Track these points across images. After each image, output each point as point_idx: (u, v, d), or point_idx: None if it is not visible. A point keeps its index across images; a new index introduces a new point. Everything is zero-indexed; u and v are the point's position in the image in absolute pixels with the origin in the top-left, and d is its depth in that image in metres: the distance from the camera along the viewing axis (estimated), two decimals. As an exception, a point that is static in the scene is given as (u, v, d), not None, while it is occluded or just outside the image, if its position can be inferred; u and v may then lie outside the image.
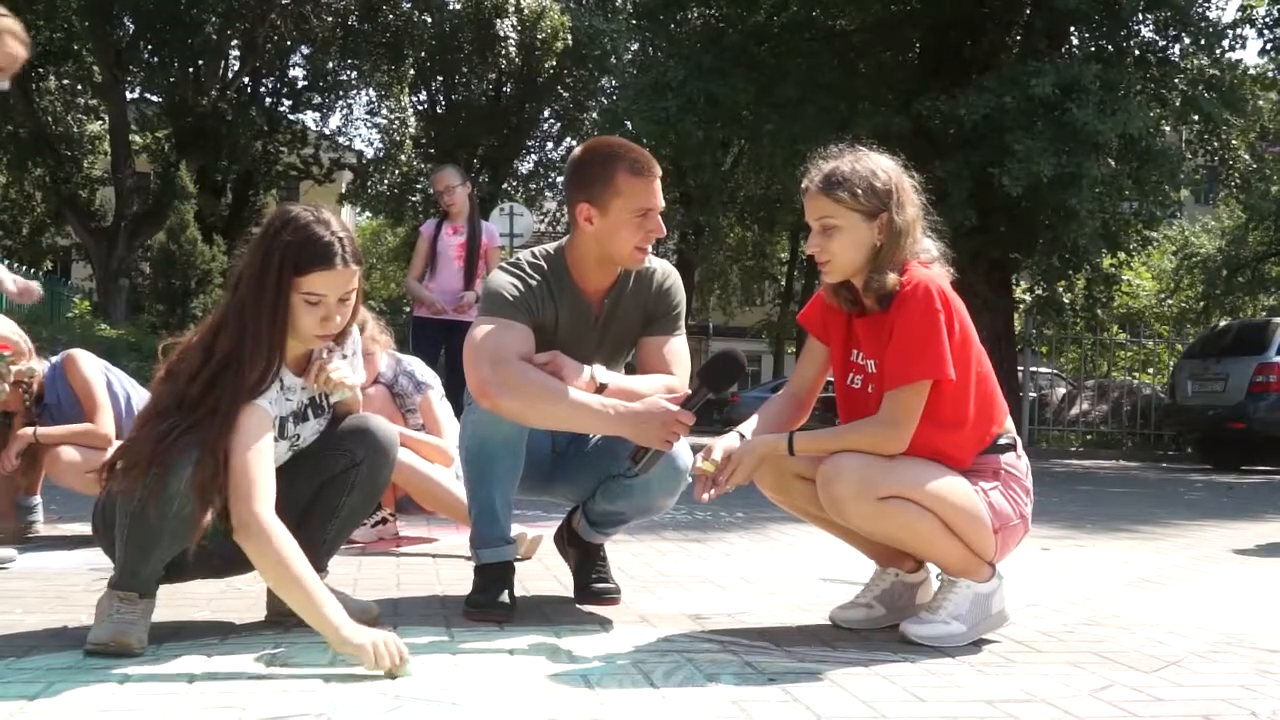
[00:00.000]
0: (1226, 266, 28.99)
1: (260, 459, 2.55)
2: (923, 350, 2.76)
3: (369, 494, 2.93)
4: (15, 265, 19.82)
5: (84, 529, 4.73)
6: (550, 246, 3.16)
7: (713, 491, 2.82)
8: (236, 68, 26.29)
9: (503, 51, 27.14)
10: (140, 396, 4.59)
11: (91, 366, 4.44)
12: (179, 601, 3.04)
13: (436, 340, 7.38)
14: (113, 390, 4.50)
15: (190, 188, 18.21)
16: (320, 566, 2.80)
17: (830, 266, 2.88)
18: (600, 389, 2.91)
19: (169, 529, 2.49)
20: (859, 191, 2.82)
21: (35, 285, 4.18)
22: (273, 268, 2.57)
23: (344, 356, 2.84)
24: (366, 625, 2.71)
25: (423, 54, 27.98)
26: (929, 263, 2.89)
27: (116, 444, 4.24)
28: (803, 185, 2.91)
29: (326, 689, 2.27)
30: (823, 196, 2.85)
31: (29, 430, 4.35)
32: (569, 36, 26.22)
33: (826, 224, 2.86)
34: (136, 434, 2.60)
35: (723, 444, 2.87)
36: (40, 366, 4.38)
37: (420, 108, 30.65)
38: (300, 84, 27.90)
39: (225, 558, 2.74)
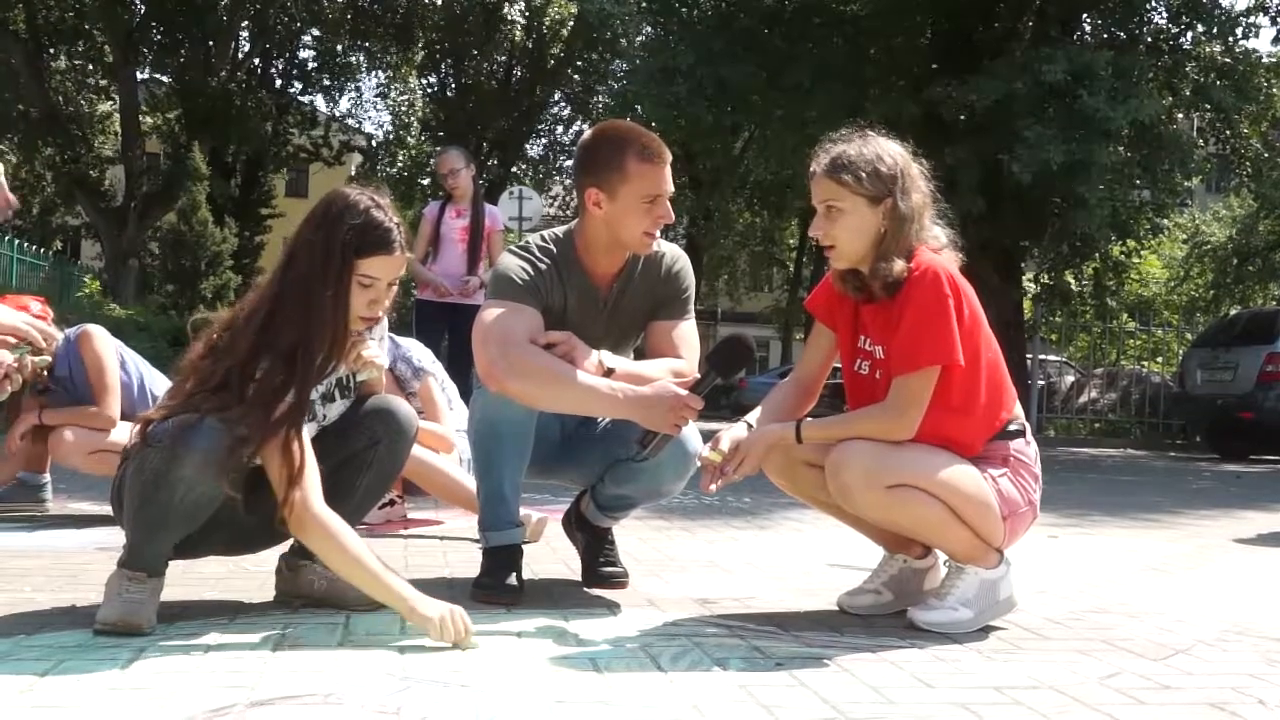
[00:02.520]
0: (1237, 255, 28.94)
1: (310, 449, 2.60)
2: (931, 336, 2.75)
3: (386, 474, 2.96)
4: (26, 245, 19.88)
5: (92, 508, 4.75)
6: (560, 230, 3.16)
7: (720, 482, 2.82)
8: (247, 49, 26.29)
9: (510, 34, 27.09)
10: (153, 378, 4.58)
11: (106, 345, 4.42)
12: (188, 581, 3.05)
13: (440, 323, 7.38)
14: (125, 370, 4.49)
15: (203, 169, 18.21)
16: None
17: (834, 251, 2.87)
18: (607, 374, 2.90)
19: (178, 512, 2.50)
20: (863, 176, 2.81)
21: None
22: (336, 250, 2.60)
23: (373, 339, 2.87)
24: (374, 607, 2.75)
25: (432, 36, 27.94)
26: (938, 249, 2.88)
27: (123, 424, 4.28)
28: (810, 169, 2.90)
29: (335, 669, 2.28)
30: (828, 180, 2.84)
31: (33, 413, 4.37)
32: (571, 23, 26.16)
33: (831, 207, 2.84)
34: (177, 404, 2.58)
35: (730, 434, 2.87)
36: (57, 334, 4.37)
37: (430, 90, 30.61)
38: (310, 66, 27.89)
39: (236, 536, 2.75)
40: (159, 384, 4.57)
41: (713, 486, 2.82)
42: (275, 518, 2.59)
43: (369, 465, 2.89)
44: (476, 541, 3.22)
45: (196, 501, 2.49)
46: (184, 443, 2.44)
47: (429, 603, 2.53)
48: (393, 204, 2.74)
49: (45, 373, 4.24)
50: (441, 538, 4.32)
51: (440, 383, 4.94)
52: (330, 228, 2.62)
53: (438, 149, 26.90)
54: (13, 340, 3.12)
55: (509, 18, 26.67)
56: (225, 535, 2.70)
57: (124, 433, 4.26)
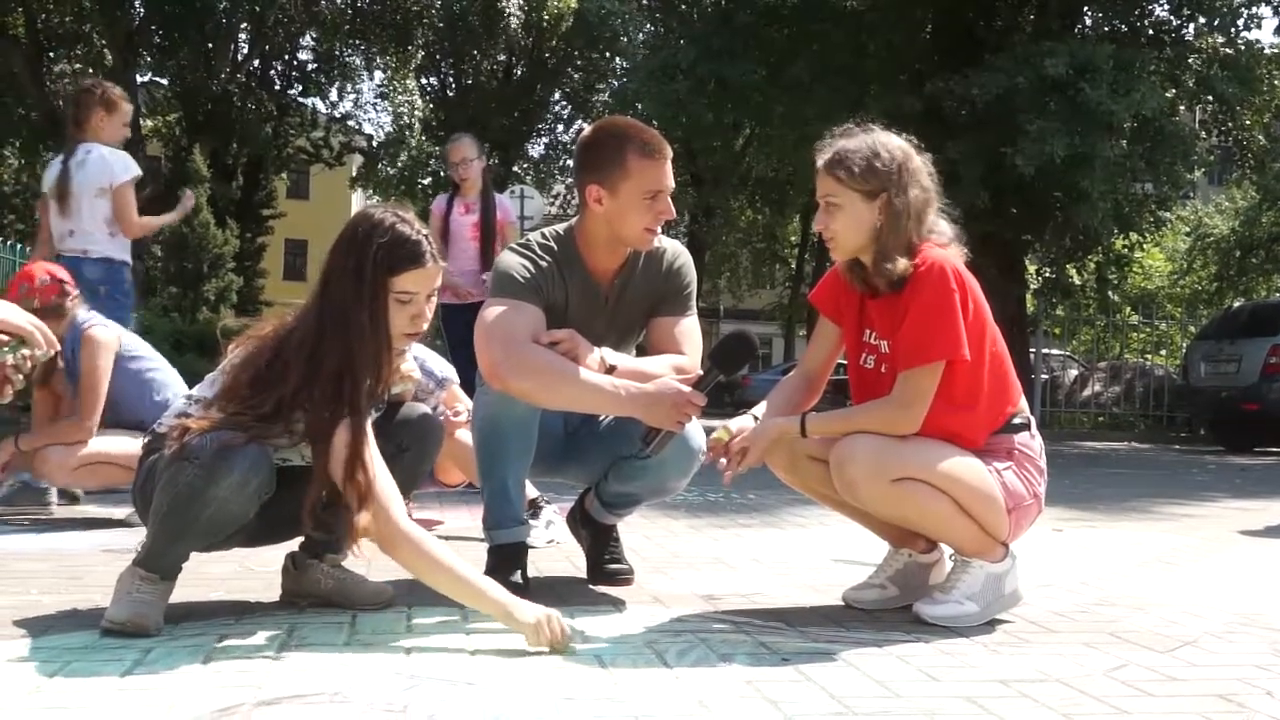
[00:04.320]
0: (1240, 247, 28.91)
1: (382, 467, 2.63)
2: (937, 330, 2.75)
3: (409, 479, 2.98)
4: (30, 249, 19.88)
5: (98, 511, 4.76)
6: (560, 227, 3.15)
7: (727, 473, 2.83)
8: (246, 51, 26.30)
9: (508, 28, 27.11)
10: (166, 380, 4.52)
11: (105, 355, 4.33)
12: (194, 582, 3.04)
13: (468, 323, 7.27)
14: (127, 373, 4.43)
15: (204, 172, 18.25)
16: (345, 548, 2.82)
17: (834, 244, 2.89)
18: (610, 371, 2.90)
19: (204, 526, 2.52)
20: (857, 171, 2.81)
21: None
22: (367, 272, 2.61)
23: (404, 350, 2.88)
24: (381, 606, 2.81)
25: (432, 36, 27.95)
26: (944, 244, 2.88)
27: (122, 438, 4.26)
28: (815, 162, 2.91)
29: (342, 668, 2.28)
30: (826, 175, 2.85)
31: (10, 441, 4.35)
32: (570, 17, 26.19)
33: (829, 202, 2.85)
34: (222, 419, 2.57)
35: (737, 423, 2.88)
36: (74, 308, 4.42)
37: (431, 90, 30.63)
38: (310, 67, 27.90)
39: (256, 534, 2.76)
40: (173, 383, 4.50)
41: (720, 463, 2.83)
42: (346, 542, 2.65)
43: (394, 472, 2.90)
44: (482, 540, 3.22)
45: (225, 519, 2.52)
46: (224, 463, 2.45)
47: (526, 607, 2.52)
48: (418, 216, 2.74)
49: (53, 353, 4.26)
50: (446, 537, 4.31)
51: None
52: (359, 250, 2.63)
53: (438, 149, 26.90)
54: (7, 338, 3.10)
55: (506, 11, 26.65)
56: (246, 534, 2.72)
57: (104, 443, 4.27)
